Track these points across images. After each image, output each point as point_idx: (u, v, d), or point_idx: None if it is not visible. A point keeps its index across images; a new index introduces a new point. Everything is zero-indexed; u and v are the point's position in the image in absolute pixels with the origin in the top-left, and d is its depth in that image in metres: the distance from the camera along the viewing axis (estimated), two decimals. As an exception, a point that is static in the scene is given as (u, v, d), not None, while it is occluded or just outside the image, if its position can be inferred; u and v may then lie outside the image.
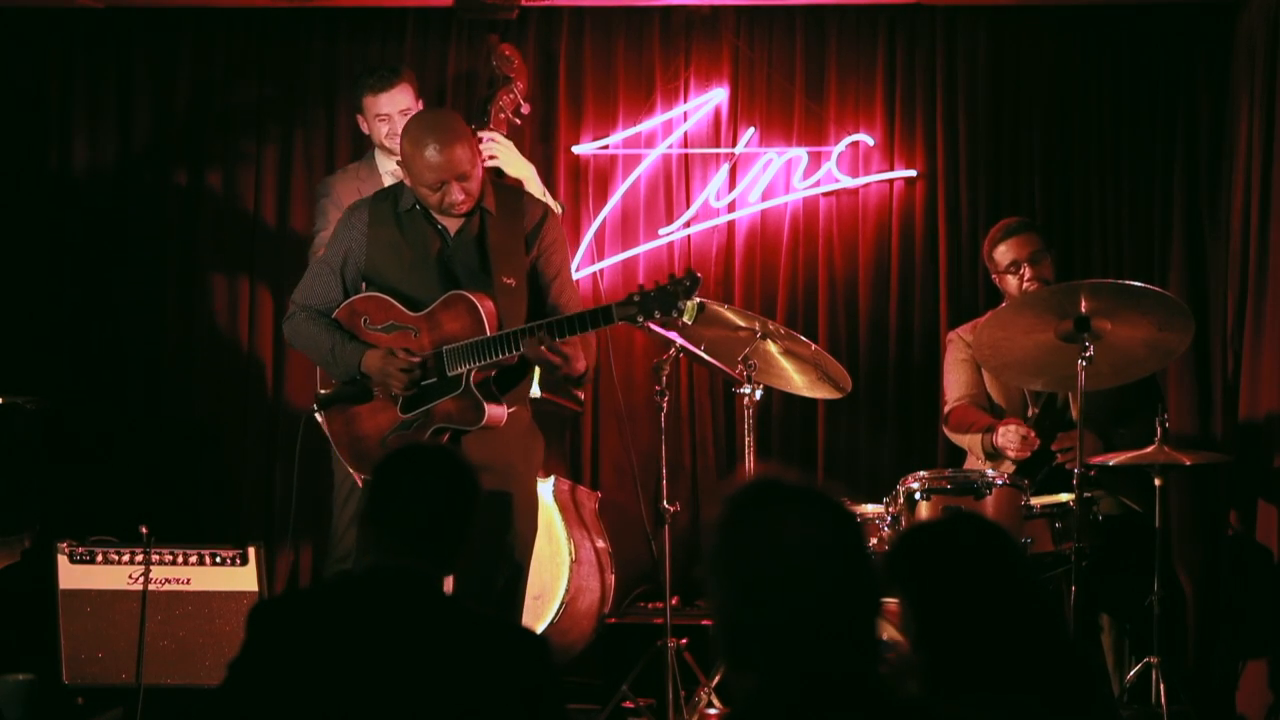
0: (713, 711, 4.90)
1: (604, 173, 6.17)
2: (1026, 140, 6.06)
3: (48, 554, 4.96)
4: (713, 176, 6.12)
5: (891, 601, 2.45)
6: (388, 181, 5.05)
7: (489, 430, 4.28)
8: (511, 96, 5.41)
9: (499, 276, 4.34)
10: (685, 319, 4.16)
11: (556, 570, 5.27)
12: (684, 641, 4.98)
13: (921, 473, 4.70)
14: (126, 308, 6.15)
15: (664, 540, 4.95)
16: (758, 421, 5.09)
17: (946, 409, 5.30)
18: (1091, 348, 4.55)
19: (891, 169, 6.08)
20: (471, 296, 4.27)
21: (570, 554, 5.29)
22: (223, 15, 6.18)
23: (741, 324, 5.00)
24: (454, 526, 2.92)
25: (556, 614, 5.24)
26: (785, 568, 2.11)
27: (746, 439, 5.03)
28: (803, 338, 5.09)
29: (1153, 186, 6.00)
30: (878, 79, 6.09)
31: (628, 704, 5.05)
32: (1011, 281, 5.14)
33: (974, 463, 5.21)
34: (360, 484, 4.72)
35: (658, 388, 4.91)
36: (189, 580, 4.89)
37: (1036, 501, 4.68)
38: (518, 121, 5.46)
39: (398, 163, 4.44)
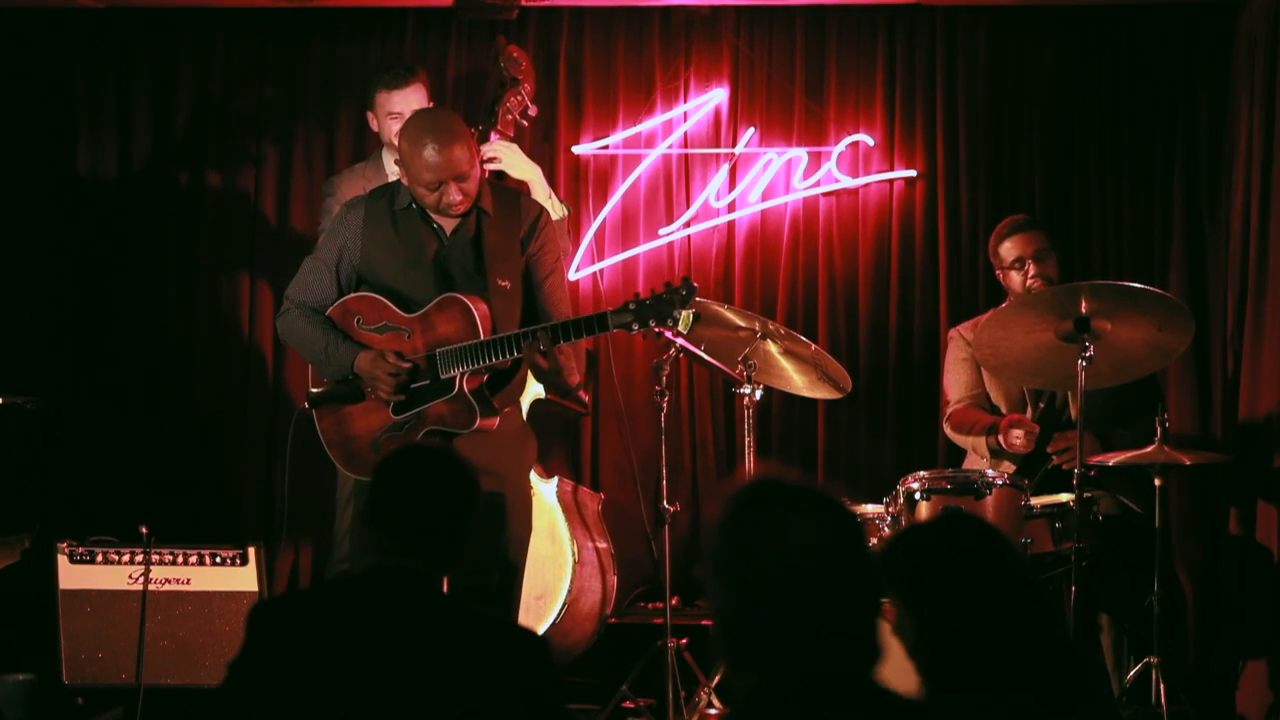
0: (713, 711, 4.90)
1: (604, 173, 6.17)
2: (1026, 140, 6.06)
3: (48, 554, 4.95)
4: (713, 176, 6.12)
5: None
6: (395, 182, 5.05)
7: (481, 432, 4.28)
8: (519, 98, 5.42)
9: (494, 278, 4.33)
10: (681, 329, 4.16)
11: (559, 571, 5.27)
12: (684, 641, 4.97)
13: (921, 473, 4.70)
14: (126, 308, 6.15)
15: (664, 540, 4.95)
16: (758, 421, 5.09)
17: (948, 410, 5.30)
18: (1091, 348, 4.55)
19: (891, 169, 6.08)
20: (466, 299, 4.27)
21: (573, 555, 5.29)
22: (223, 15, 6.18)
23: (741, 324, 5.01)
24: (453, 527, 2.92)
25: (559, 615, 5.24)
26: (786, 568, 2.11)
27: (746, 439, 5.03)
28: (803, 338, 5.09)
29: (1153, 186, 6.00)
30: (878, 79, 6.09)
31: (628, 704, 5.05)
32: (1015, 278, 5.14)
33: (974, 462, 5.21)
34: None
35: (658, 388, 4.91)
36: (189, 580, 4.88)
37: (1036, 501, 4.68)
38: (524, 123, 5.46)
39: (395, 162, 4.44)
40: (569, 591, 5.26)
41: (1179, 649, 5.48)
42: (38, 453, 5.14)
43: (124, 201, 6.19)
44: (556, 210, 5.08)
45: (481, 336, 4.23)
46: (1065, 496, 4.66)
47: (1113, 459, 4.71)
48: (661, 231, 6.13)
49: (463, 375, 4.25)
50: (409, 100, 5.18)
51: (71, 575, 4.91)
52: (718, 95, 6.13)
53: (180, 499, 5.94)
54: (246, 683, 2.79)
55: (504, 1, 5.89)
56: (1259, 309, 5.42)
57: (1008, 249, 5.17)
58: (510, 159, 5.22)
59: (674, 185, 6.15)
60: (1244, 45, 5.69)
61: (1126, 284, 4.78)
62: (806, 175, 6.08)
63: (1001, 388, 5.22)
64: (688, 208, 6.12)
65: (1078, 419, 4.65)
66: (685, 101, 6.14)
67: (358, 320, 4.39)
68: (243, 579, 4.88)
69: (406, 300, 4.36)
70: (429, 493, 2.91)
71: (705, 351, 4.96)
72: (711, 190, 6.11)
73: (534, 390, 4.91)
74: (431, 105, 5.26)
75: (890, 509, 4.68)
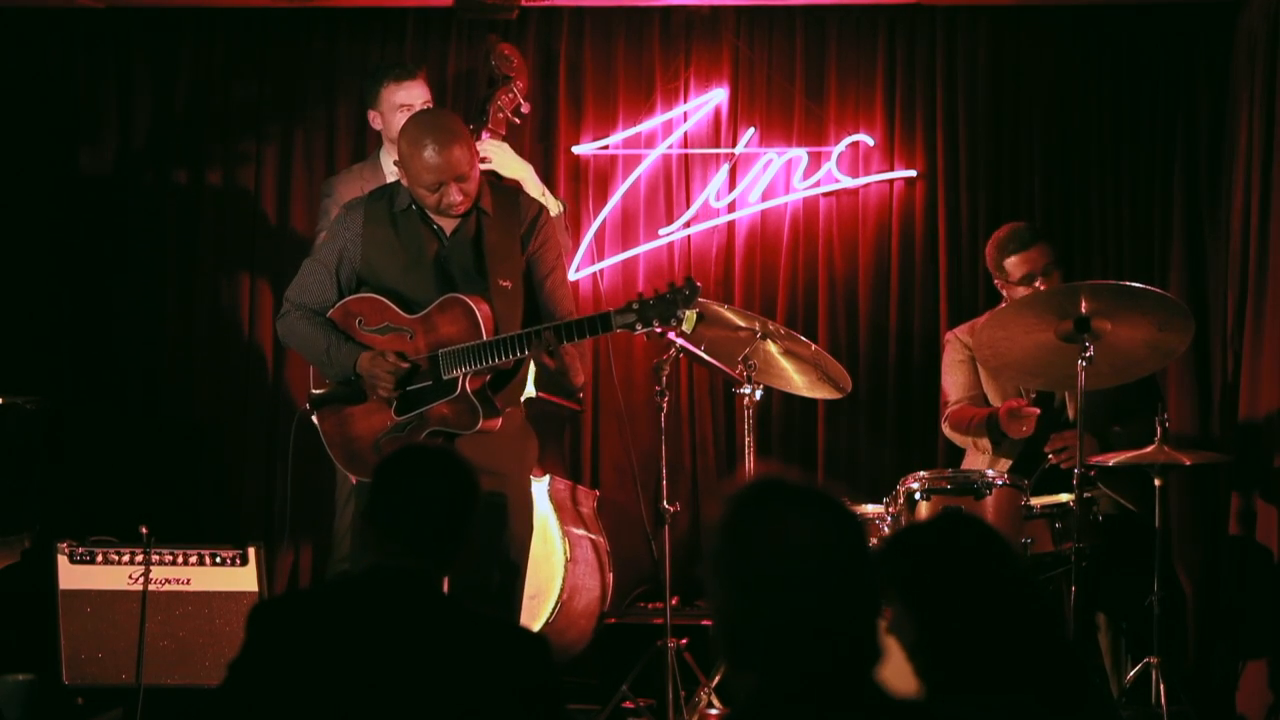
0: (713, 711, 4.90)
1: (604, 173, 6.17)
2: (1026, 140, 6.06)
3: (48, 554, 4.95)
4: (713, 177, 6.12)
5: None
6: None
7: (484, 433, 4.28)
8: (511, 96, 5.41)
9: (495, 278, 4.33)
10: (685, 328, 4.15)
11: (551, 570, 5.26)
12: (684, 641, 4.97)
13: (921, 473, 4.71)
14: (126, 307, 6.15)
15: (664, 540, 4.95)
16: (758, 421, 5.09)
17: (946, 411, 5.30)
18: (1091, 348, 4.55)
19: (891, 169, 6.08)
20: (468, 300, 4.26)
21: (565, 553, 5.28)
22: (223, 15, 6.18)
23: (741, 324, 5.00)
24: (454, 527, 2.92)
25: (552, 613, 5.23)
26: (787, 568, 2.11)
27: (746, 439, 5.03)
28: (803, 338, 5.09)
29: (1153, 186, 6.00)
30: (878, 79, 6.09)
31: (628, 704, 5.05)
32: (1022, 292, 5.07)
33: (973, 462, 5.20)
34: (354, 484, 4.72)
35: (658, 388, 4.91)
36: (189, 580, 4.88)
37: (1036, 502, 4.68)
38: (517, 121, 5.45)
39: (395, 162, 4.44)
40: (562, 590, 5.25)
41: (1179, 649, 5.48)
42: (38, 452, 5.14)
43: (124, 201, 6.20)
44: (553, 206, 5.07)
45: (484, 337, 4.23)
46: (1065, 496, 4.66)
47: (1112, 459, 4.71)
48: (661, 232, 6.13)
49: (465, 376, 4.25)
50: (418, 93, 5.18)
51: (71, 575, 4.91)
52: (718, 95, 6.13)
53: (180, 499, 5.94)
54: (246, 683, 2.79)
55: (504, 1, 5.89)
56: (1259, 309, 5.42)
57: (1015, 264, 5.11)
58: (501, 158, 5.21)
59: (674, 185, 6.15)
60: (1244, 45, 5.69)
61: (1126, 284, 4.78)
62: (806, 175, 6.08)
63: (999, 388, 5.21)
64: (688, 208, 6.12)
65: (1075, 419, 4.65)
66: (685, 102, 6.14)
67: (359, 321, 4.38)
68: (243, 579, 4.88)
69: (408, 301, 4.35)
70: (429, 492, 2.91)
71: (705, 351, 4.96)
72: (711, 190, 6.11)
73: (527, 388, 4.91)
74: (431, 105, 5.26)
75: (890, 509, 4.68)
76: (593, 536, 5.50)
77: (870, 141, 6.08)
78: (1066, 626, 4.50)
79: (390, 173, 5.19)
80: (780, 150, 6.09)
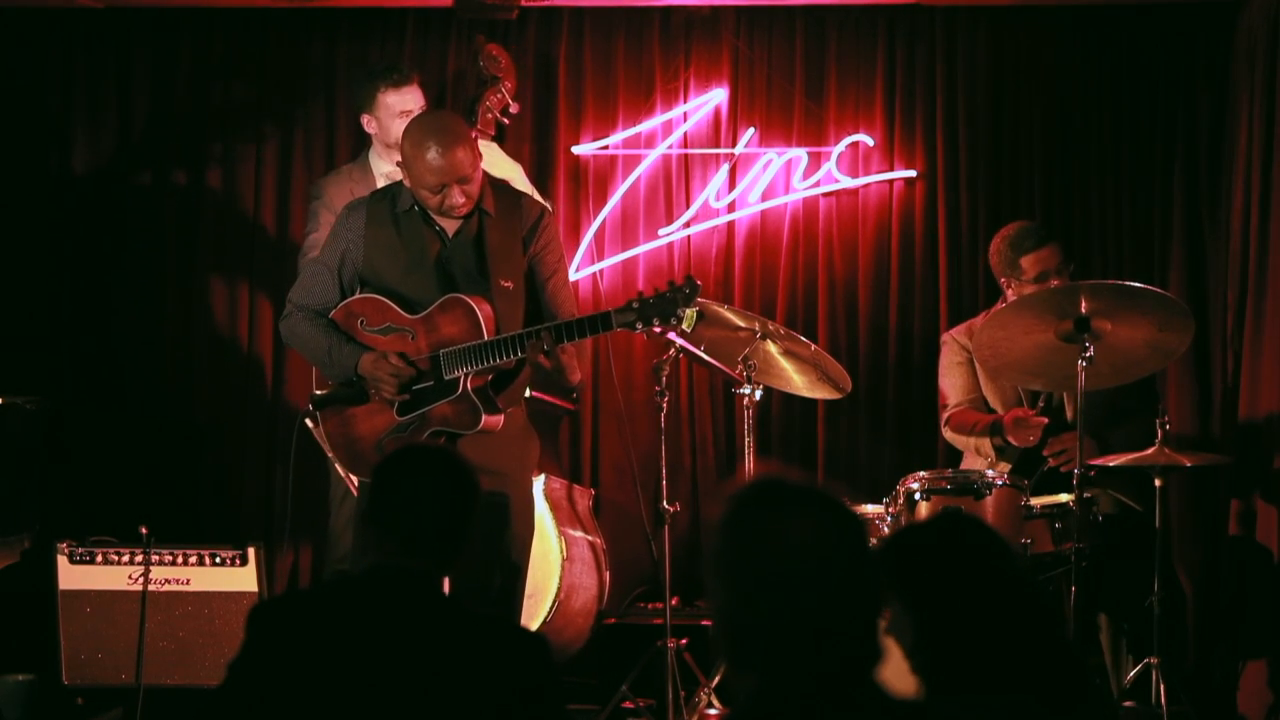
0: (713, 712, 4.90)
1: (604, 173, 6.17)
2: (1026, 140, 6.06)
3: (48, 554, 4.95)
4: (712, 177, 6.12)
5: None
6: (382, 183, 5.03)
7: (485, 432, 4.28)
8: (499, 96, 5.41)
9: (497, 279, 4.33)
10: (684, 327, 4.15)
11: (548, 569, 5.26)
12: (684, 641, 4.97)
13: (921, 473, 4.71)
14: (126, 308, 6.15)
15: (664, 540, 4.95)
16: (758, 421, 5.09)
17: (946, 413, 5.30)
18: (1091, 348, 4.55)
19: (891, 169, 6.08)
20: (469, 300, 4.26)
21: (561, 552, 5.29)
22: (223, 15, 6.18)
23: (741, 324, 5.00)
24: (454, 527, 2.92)
25: (549, 612, 5.23)
26: (787, 568, 2.11)
27: (746, 439, 5.03)
28: (802, 338, 5.09)
29: (1153, 186, 5.99)
30: (877, 79, 6.09)
31: (627, 704, 5.05)
32: (1034, 290, 5.05)
33: (972, 463, 5.20)
34: (353, 486, 4.73)
35: (658, 388, 4.91)
36: (189, 580, 4.89)
37: (1036, 502, 4.68)
38: (505, 121, 5.46)
39: (397, 163, 4.44)
40: (559, 589, 5.25)
41: (1179, 649, 5.47)
42: (38, 452, 5.14)
43: (123, 201, 6.19)
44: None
45: (485, 337, 4.23)
46: (1065, 497, 4.66)
47: (1113, 461, 4.70)
48: (661, 232, 6.13)
49: (467, 376, 4.25)
50: (415, 98, 5.19)
51: (71, 575, 4.91)
52: (717, 95, 6.13)
53: (180, 499, 5.94)
54: (246, 683, 2.79)
55: (504, 1, 5.88)
56: (1259, 309, 5.42)
57: (1031, 263, 5.07)
58: (489, 158, 5.20)
59: (674, 185, 6.15)
60: (1244, 45, 5.69)
61: (1126, 284, 4.78)
62: (806, 175, 6.08)
63: (998, 390, 5.21)
64: (687, 208, 6.12)
65: (1074, 419, 4.65)
66: (685, 102, 6.14)
67: (361, 322, 4.38)
68: (243, 579, 4.88)
69: (409, 302, 4.35)
70: (430, 492, 2.91)
71: (705, 351, 4.96)
72: (711, 190, 6.11)
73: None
74: (426, 108, 5.26)
75: (890, 509, 4.68)
76: (589, 536, 5.50)
77: (870, 141, 6.08)
78: (1066, 626, 4.50)
79: (380, 174, 5.19)
80: (780, 150, 6.09)
